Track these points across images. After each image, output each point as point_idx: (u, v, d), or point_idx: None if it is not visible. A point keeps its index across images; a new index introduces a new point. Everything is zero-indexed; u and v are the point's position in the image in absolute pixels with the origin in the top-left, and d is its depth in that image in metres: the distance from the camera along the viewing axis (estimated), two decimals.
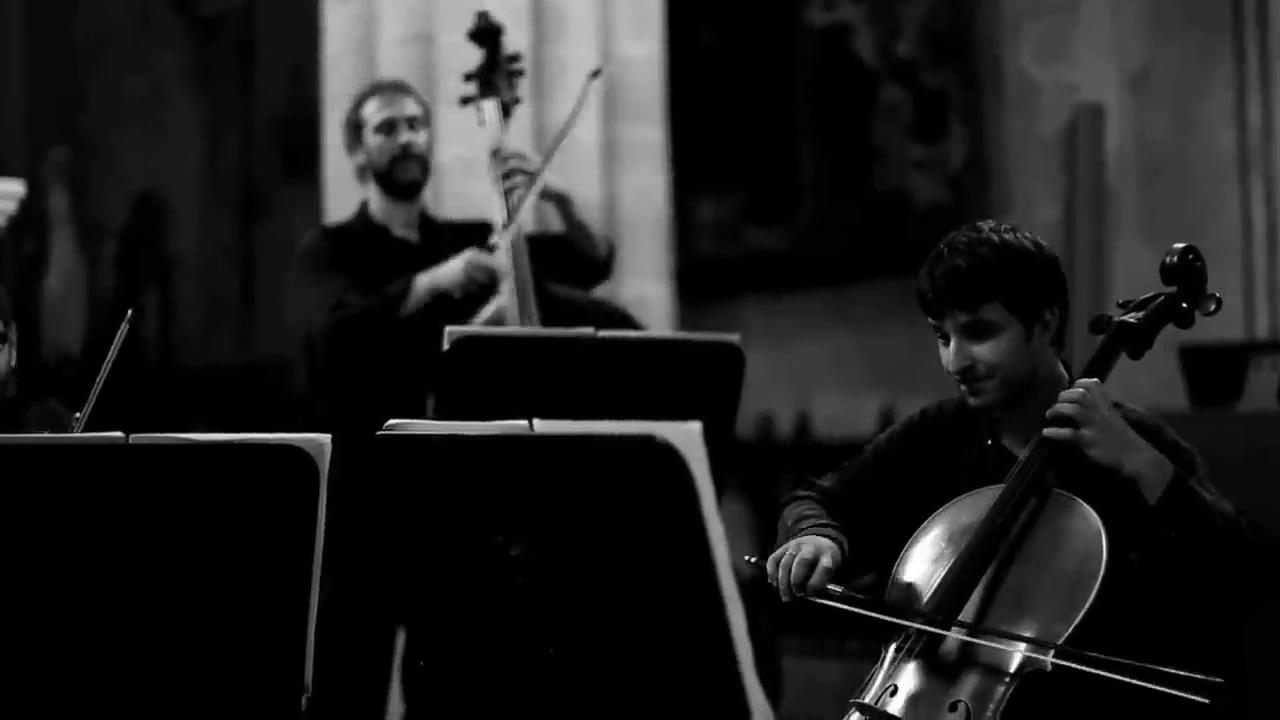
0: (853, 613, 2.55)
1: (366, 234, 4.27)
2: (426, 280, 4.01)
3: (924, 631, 2.51)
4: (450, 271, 4.00)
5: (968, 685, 2.46)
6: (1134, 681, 2.33)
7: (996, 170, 7.87)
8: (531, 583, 2.05)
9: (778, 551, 2.64)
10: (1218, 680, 2.29)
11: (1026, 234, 2.67)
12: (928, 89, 8.12)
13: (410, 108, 4.27)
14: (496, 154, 4.19)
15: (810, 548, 2.63)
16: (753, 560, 2.64)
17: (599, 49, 5.60)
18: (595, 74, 4.36)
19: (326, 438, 2.06)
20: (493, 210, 4.20)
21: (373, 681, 3.66)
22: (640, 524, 1.95)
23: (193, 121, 9.90)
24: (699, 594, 1.89)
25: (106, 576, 2.03)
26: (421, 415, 3.24)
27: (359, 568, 3.73)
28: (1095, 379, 2.61)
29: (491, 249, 4.02)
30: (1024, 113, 7.72)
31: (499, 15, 4.42)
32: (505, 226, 4.04)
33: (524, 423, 2.04)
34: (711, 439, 1.89)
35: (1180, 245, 2.72)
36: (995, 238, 2.63)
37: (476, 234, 4.14)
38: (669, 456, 1.86)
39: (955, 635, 2.49)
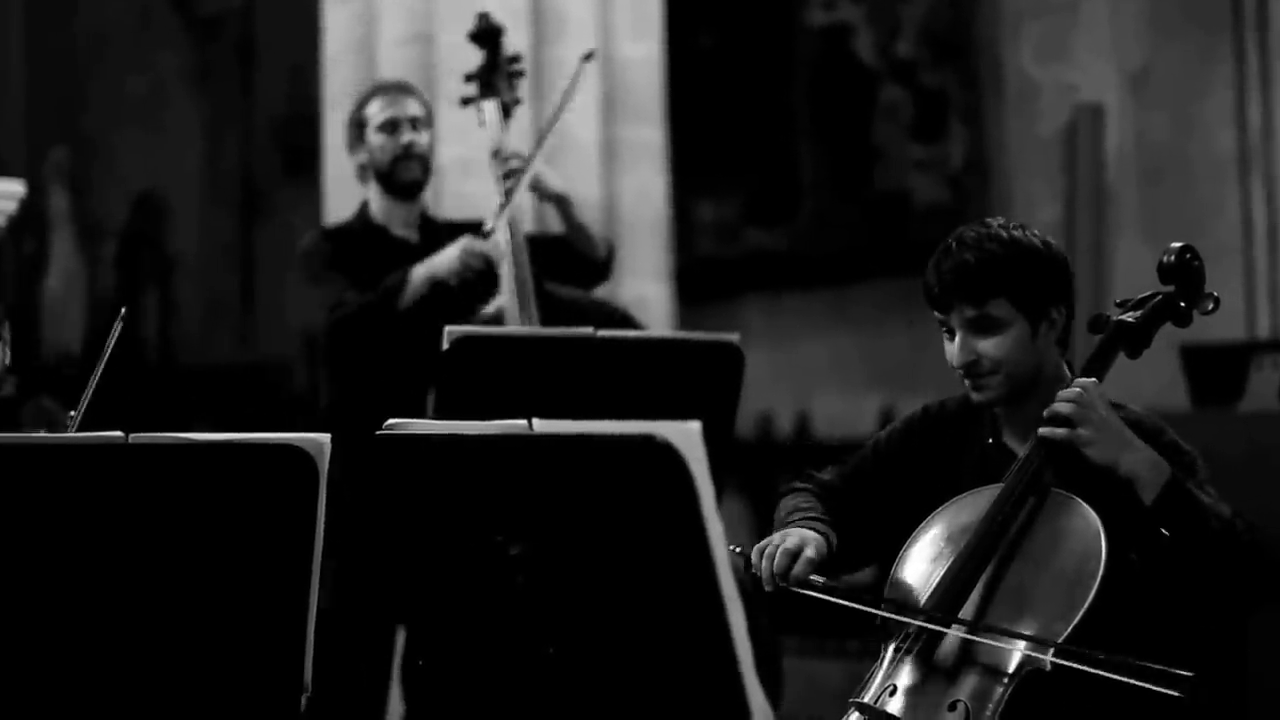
0: (834, 603, 2.55)
1: (366, 234, 4.27)
2: (423, 270, 4.01)
3: (923, 631, 2.51)
4: (446, 259, 4.01)
5: (967, 685, 2.46)
6: (1102, 673, 2.34)
7: (996, 170, 7.87)
8: (531, 582, 2.05)
9: (763, 541, 2.65)
10: (1188, 674, 2.30)
11: (1035, 232, 2.68)
12: (928, 89, 8.12)
13: (413, 108, 4.28)
14: (497, 155, 4.20)
15: (795, 538, 2.64)
16: (738, 550, 2.64)
17: (599, 50, 5.60)
18: (588, 57, 4.36)
19: (326, 437, 2.06)
20: (492, 210, 4.20)
21: (373, 681, 3.66)
22: (640, 524, 1.95)
23: (193, 121, 9.90)
24: (699, 594, 1.88)
25: (106, 576, 2.03)
26: (423, 413, 3.24)
27: (359, 567, 3.73)
28: (1093, 379, 2.61)
29: (486, 235, 4.03)
30: (1024, 113, 7.72)
31: (498, 16, 4.43)
32: (501, 209, 4.06)
33: (523, 422, 2.04)
34: (711, 439, 1.89)
35: (1177, 245, 2.72)
36: (1004, 234, 2.64)
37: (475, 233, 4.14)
38: (668, 456, 1.85)
39: (952, 633, 2.49)
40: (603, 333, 3.30)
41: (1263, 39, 6.87)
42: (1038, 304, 2.63)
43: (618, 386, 3.18)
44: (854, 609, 2.55)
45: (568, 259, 4.27)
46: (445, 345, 3.17)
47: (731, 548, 2.63)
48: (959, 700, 2.45)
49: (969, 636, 2.48)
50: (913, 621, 2.53)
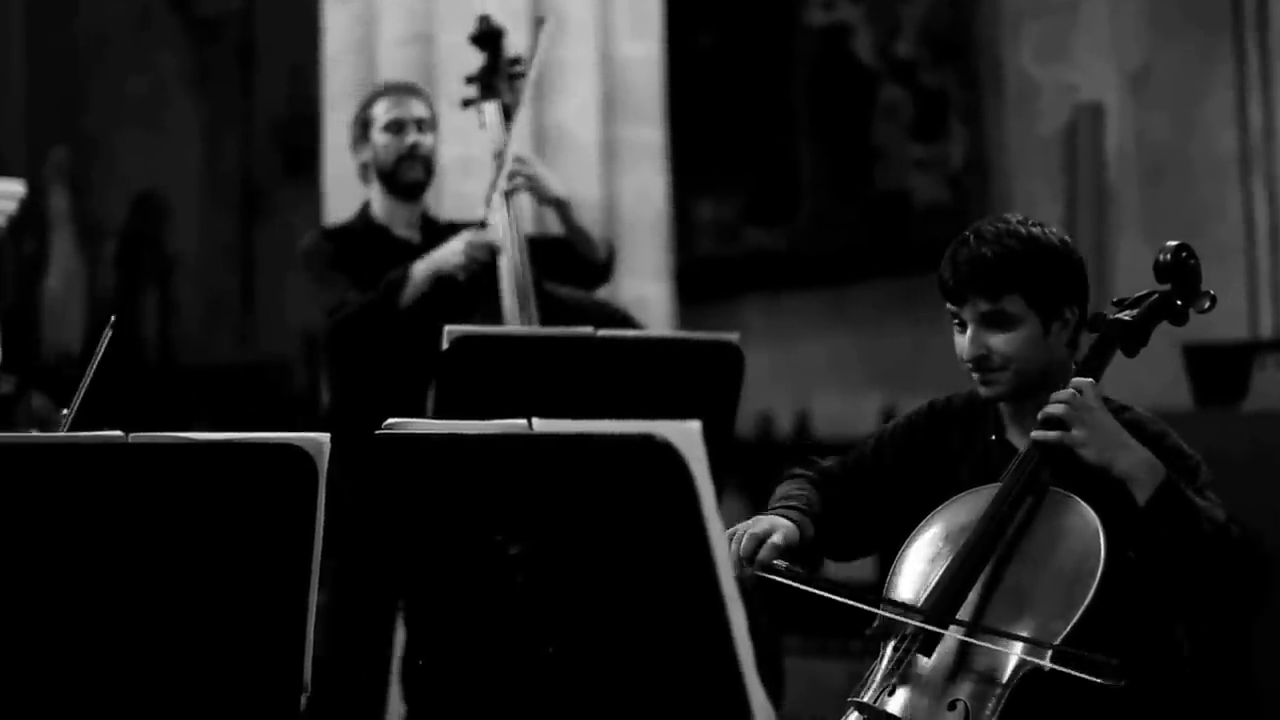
0: (797, 589, 2.55)
1: (367, 234, 4.28)
2: (424, 266, 4.01)
3: (921, 630, 2.50)
4: (450, 252, 4.01)
5: (966, 684, 2.45)
6: (1036, 661, 2.35)
7: (996, 170, 7.87)
8: (531, 582, 2.05)
9: (734, 527, 2.65)
10: (1113, 661, 2.30)
11: (1054, 230, 2.67)
12: (928, 89, 8.12)
13: (419, 110, 4.29)
14: (498, 156, 4.20)
15: (765, 524, 2.65)
16: None
17: (598, 50, 5.59)
18: (540, 21, 4.42)
19: (326, 437, 2.06)
20: (492, 204, 4.20)
21: (373, 681, 3.65)
22: (640, 523, 1.94)
23: (192, 122, 9.91)
24: (699, 594, 1.88)
25: (105, 575, 2.03)
26: (423, 413, 3.24)
27: (359, 567, 3.73)
28: (1090, 379, 2.61)
29: (484, 224, 4.05)
30: (1024, 112, 7.72)
31: (499, 17, 4.44)
32: (503, 196, 4.07)
33: (523, 422, 2.03)
34: (711, 438, 1.88)
35: (1173, 243, 2.72)
36: (1023, 230, 2.63)
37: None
38: (668, 456, 1.85)
39: (951, 633, 2.49)
40: (603, 332, 3.30)
41: (1263, 39, 6.87)
42: (1052, 303, 2.63)
43: (618, 386, 3.18)
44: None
45: (568, 261, 4.27)
46: (444, 345, 3.17)
47: None
48: (958, 699, 2.44)
49: (967, 639, 2.47)
50: (910, 622, 2.52)
